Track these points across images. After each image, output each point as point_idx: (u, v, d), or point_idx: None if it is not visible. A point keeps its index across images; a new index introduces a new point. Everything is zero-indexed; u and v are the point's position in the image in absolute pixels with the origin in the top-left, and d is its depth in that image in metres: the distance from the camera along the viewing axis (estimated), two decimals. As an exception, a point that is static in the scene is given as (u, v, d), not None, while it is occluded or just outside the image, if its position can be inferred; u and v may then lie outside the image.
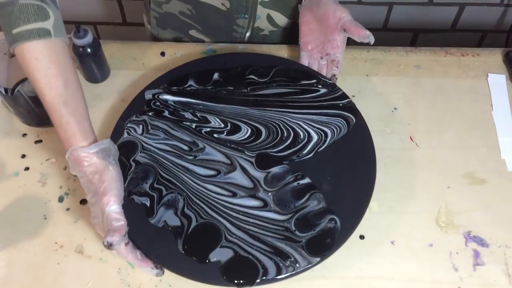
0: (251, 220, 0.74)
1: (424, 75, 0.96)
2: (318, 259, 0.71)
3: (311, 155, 0.81)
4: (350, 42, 0.91)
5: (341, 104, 0.86)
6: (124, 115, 0.85)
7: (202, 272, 0.71)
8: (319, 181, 0.78)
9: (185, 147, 0.82)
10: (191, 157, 0.81)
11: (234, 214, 0.75)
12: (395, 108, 0.91)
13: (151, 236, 0.73)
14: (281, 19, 1.00)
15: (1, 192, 0.82)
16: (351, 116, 0.85)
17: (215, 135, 0.83)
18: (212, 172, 0.79)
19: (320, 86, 0.88)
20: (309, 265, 0.71)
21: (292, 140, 0.82)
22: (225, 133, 0.83)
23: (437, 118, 0.90)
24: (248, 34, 1.01)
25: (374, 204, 0.80)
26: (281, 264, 0.71)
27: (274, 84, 0.88)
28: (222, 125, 0.84)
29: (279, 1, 0.96)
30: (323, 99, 0.87)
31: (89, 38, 0.87)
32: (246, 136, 0.83)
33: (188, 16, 1.00)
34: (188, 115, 0.85)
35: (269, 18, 0.99)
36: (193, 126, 0.84)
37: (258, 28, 1.00)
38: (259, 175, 0.79)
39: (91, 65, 0.90)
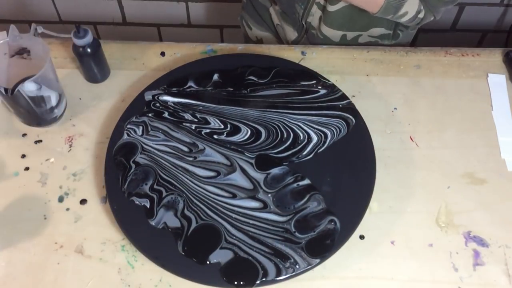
0: (251, 222, 0.75)
1: (424, 75, 0.96)
2: (318, 260, 0.71)
3: (311, 156, 0.81)
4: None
5: (340, 105, 0.86)
6: (124, 116, 0.85)
7: (202, 273, 0.71)
8: (319, 182, 0.78)
9: (185, 148, 0.82)
10: (191, 159, 0.81)
11: (234, 216, 0.75)
12: (395, 108, 0.91)
13: (151, 237, 0.74)
14: (326, 29, 0.99)
15: (1, 192, 0.82)
16: (350, 117, 0.85)
17: (215, 136, 0.83)
18: (212, 174, 0.79)
19: (319, 87, 0.88)
20: (309, 267, 0.71)
21: (291, 141, 0.82)
22: (225, 134, 0.83)
23: (437, 118, 0.90)
24: (304, 24, 1.02)
25: (374, 204, 0.80)
26: (281, 266, 0.71)
27: (274, 85, 0.88)
28: (222, 126, 0.84)
29: (325, 11, 0.96)
30: (323, 100, 0.87)
31: (89, 38, 0.87)
32: (246, 137, 0.83)
33: None
34: (188, 116, 0.85)
35: (320, 21, 0.99)
36: (193, 127, 0.84)
37: (310, 24, 1.01)
38: (259, 176, 0.79)
39: (91, 65, 0.90)
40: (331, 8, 0.94)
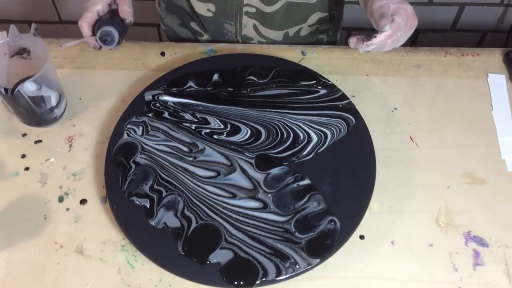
0: (251, 222, 0.75)
1: (424, 75, 0.95)
2: (317, 260, 0.71)
3: (311, 156, 0.81)
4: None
5: (340, 105, 0.86)
6: (124, 116, 0.85)
7: (202, 273, 0.71)
8: (319, 182, 0.78)
9: (185, 148, 0.82)
10: (191, 158, 0.81)
11: (234, 216, 0.75)
12: (395, 108, 0.91)
13: (151, 237, 0.74)
14: (267, 31, 1.00)
15: (1, 192, 0.82)
16: (350, 117, 0.85)
17: (215, 136, 0.83)
18: (212, 174, 0.79)
19: (319, 87, 0.88)
20: (309, 267, 0.71)
21: (291, 141, 0.82)
22: (224, 134, 0.83)
23: (437, 118, 0.90)
24: (239, 39, 1.02)
25: (374, 204, 0.80)
26: (281, 266, 0.71)
27: (274, 85, 0.89)
28: (222, 126, 0.84)
29: (262, 14, 0.96)
30: (323, 100, 0.87)
31: (115, 38, 0.84)
32: (246, 137, 0.83)
33: (188, 12, 1.02)
34: (188, 116, 0.86)
35: (256, 28, 0.99)
36: (193, 127, 0.84)
37: (246, 36, 1.01)
38: (259, 176, 0.79)
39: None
40: (269, 9, 0.94)
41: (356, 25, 1.31)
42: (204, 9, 0.97)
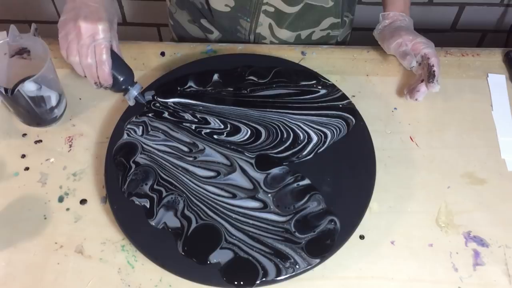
0: (251, 222, 0.75)
1: (424, 75, 0.95)
2: (317, 260, 0.71)
3: (311, 156, 0.81)
4: (350, 43, 0.91)
5: (340, 105, 0.86)
6: (124, 116, 0.85)
7: (202, 273, 0.71)
8: (319, 182, 0.78)
9: (185, 148, 0.82)
10: (191, 158, 0.81)
11: (234, 216, 0.75)
12: (395, 108, 0.91)
13: (151, 237, 0.74)
14: (281, 32, 1.00)
15: (1, 192, 0.82)
16: (350, 117, 0.85)
17: (215, 136, 0.83)
18: (212, 174, 0.79)
19: (319, 87, 0.88)
20: (309, 267, 0.71)
21: (291, 141, 0.82)
22: (225, 134, 0.83)
23: (437, 118, 0.90)
24: (252, 38, 1.02)
25: (374, 204, 0.80)
26: (281, 266, 0.71)
27: (274, 85, 0.89)
28: (222, 126, 0.84)
29: (279, 14, 0.96)
30: (323, 100, 0.87)
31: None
32: (246, 137, 0.83)
33: (200, 9, 1.02)
34: (188, 116, 0.86)
35: (271, 28, 0.99)
36: (193, 127, 0.84)
37: (260, 35, 1.01)
38: (259, 176, 0.79)
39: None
40: (290, 9, 0.95)
41: (360, 25, 1.31)
42: (221, 4, 0.97)
